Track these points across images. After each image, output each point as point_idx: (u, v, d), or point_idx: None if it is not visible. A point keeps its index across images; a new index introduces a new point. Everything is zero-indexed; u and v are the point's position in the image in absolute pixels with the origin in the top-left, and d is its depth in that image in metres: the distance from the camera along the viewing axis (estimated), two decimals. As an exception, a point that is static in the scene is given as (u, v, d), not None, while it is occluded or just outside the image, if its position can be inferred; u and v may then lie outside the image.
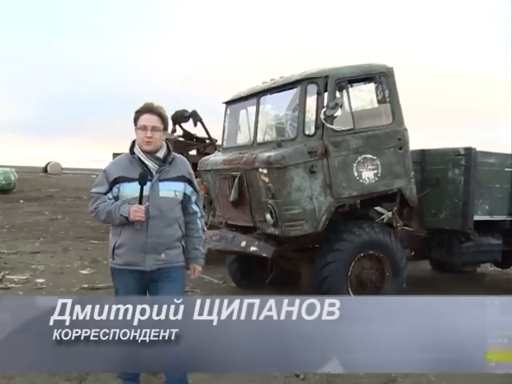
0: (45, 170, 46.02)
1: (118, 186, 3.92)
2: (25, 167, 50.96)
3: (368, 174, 6.73)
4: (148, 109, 3.92)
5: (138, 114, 3.95)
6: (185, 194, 4.05)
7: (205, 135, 13.05)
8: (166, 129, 4.04)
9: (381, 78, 6.92)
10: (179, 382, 3.94)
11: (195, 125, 12.94)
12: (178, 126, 13.21)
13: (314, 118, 6.65)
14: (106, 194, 3.94)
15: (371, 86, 7.02)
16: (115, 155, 14.41)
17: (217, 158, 7.98)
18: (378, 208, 7.57)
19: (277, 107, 7.36)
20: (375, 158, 6.76)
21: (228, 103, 8.26)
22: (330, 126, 6.48)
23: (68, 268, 10.00)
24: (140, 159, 3.93)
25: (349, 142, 6.67)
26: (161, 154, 3.97)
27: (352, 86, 6.95)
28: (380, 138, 6.85)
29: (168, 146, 4.04)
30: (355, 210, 7.29)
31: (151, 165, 3.92)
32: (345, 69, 6.84)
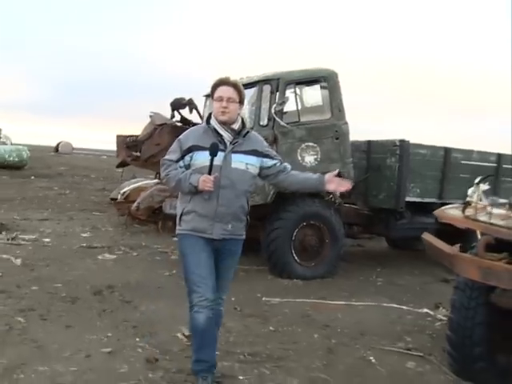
0: (56, 149, 47.04)
1: (191, 154, 4.00)
2: (37, 146, 52.23)
3: (309, 159, 8.27)
4: (224, 81, 4.02)
5: (215, 86, 4.04)
6: (264, 167, 4.18)
7: (200, 121, 14.47)
8: (241, 102, 4.10)
9: (324, 80, 8.46)
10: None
11: (191, 112, 14.34)
12: (176, 112, 14.66)
13: (267, 112, 8.18)
14: (177, 161, 4.03)
15: (317, 86, 8.54)
16: (119, 137, 15.89)
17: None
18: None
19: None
20: (316, 145, 8.31)
21: (207, 96, 9.79)
22: (278, 119, 8.02)
23: (71, 232, 11.61)
24: (215, 129, 4.02)
25: (294, 132, 8.22)
26: (236, 126, 4.06)
27: (300, 87, 8.46)
28: (320, 129, 8.41)
29: (243, 121, 4.14)
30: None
31: (226, 135, 4.02)
32: (294, 72, 8.38)
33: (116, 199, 13.20)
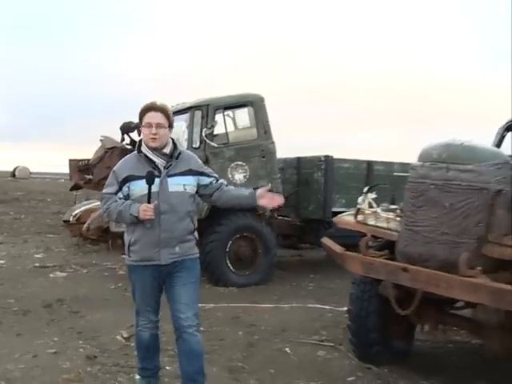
0: (13, 174, 46.88)
1: (127, 184, 3.98)
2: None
3: (239, 176, 9.10)
4: (152, 107, 3.97)
5: (143, 112, 3.99)
6: (200, 185, 4.16)
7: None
8: (171, 126, 4.06)
9: (251, 104, 9.34)
10: (195, 374, 4.16)
11: (139, 135, 14.97)
12: (125, 136, 15.34)
13: (199, 135, 9.00)
14: (116, 193, 4.02)
15: (244, 110, 9.42)
16: (71, 161, 16.45)
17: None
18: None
19: (177, 126, 9.68)
20: (244, 164, 9.16)
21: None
22: (208, 141, 8.86)
23: (25, 253, 12.20)
24: (147, 156, 4.00)
25: (224, 153, 9.09)
26: (167, 150, 4.01)
27: (228, 111, 9.35)
28: (247, 149, 9.28)
29: (174, 142, 4.09)
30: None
31: (159, 161, 3.99)
32: (223, 98, 9.26)
33: (68, 221, 13.85)
